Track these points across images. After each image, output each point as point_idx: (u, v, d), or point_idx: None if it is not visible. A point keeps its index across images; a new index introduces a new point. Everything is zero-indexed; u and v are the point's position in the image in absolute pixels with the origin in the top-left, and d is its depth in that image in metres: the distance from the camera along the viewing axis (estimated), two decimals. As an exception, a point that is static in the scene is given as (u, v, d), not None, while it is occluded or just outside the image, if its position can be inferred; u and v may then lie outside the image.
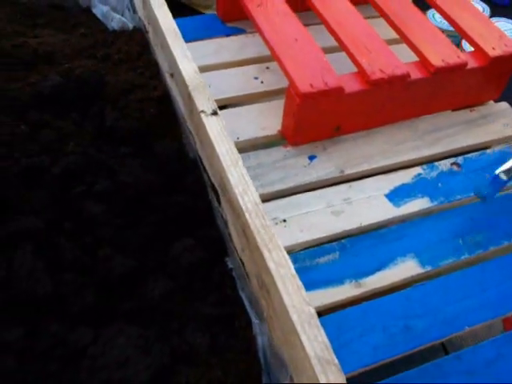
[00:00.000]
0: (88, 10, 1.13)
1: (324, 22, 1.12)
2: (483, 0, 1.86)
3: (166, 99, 0.85)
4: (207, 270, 0.70)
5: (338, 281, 0.85)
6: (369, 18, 1.14)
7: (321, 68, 0.98)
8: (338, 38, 1.08)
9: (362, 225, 0.93)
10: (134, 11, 1.03)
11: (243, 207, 0.60)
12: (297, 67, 0.98)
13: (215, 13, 1.33)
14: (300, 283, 0.56)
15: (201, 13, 1.68)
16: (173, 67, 0.79)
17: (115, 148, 0.79)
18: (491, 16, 1.78)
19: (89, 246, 0.69)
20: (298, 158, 1.01)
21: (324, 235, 0.90)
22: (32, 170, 0.76)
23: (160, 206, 0.74)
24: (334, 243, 0.90)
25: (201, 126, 0.69)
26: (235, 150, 0.65)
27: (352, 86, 0.99)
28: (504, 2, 2.01)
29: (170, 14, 0.83)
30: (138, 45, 0.97)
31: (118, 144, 0.80)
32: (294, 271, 0.56)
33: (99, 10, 1.07)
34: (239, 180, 0.62)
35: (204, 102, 0.70)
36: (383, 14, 1.15)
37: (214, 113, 0.68)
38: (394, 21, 1.11)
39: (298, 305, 0.54)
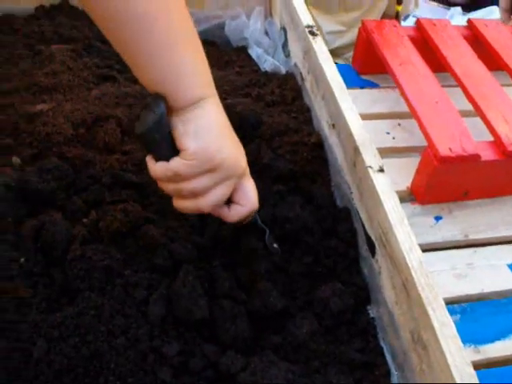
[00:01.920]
0: (238, 49, 1.19)
1: (461, 86, 1.15)
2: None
3: (319, 146, 0.89)
4: (352, 316, 0.73)
5: (457, 344, 0.87)
6: (503, 85, 1.16)
7: (460, 133, 1.01)
8: (475, 104, 1.10)
9: (484, 291, 0.94)
10: (288, 56, 1.09)
11: (409, 264, 0.63)
12: (437, 130, 1.01)
13: (345, 62, 1.38)
14: (461, 344, 0.58)
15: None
16: (336, 118, 0.83)
17: (269, 185, 0.84)
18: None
19: (244, 277, 0.74)
20: (425, 216, 1.04)
21: (446, 296, 0.92)
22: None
23: (313, 246, 0.77)
24: (455, 305, 0.91)
25: (365, 181, 0.73)
26: (400, 208, 0.68)
27: (488, 154, 1.01)
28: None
29: (334, 66, 0.88)
30: (291, 89, 1.02)
31: (271, 181, 0.85)
32: (455, 331, 0.59)
33: (254, 51, 1.13)
34: (405, 238, 0.65)
35: (371, 158, 0.74)
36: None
37: (381, 169, 0.72)
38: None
39: (460, 365, 0.56)
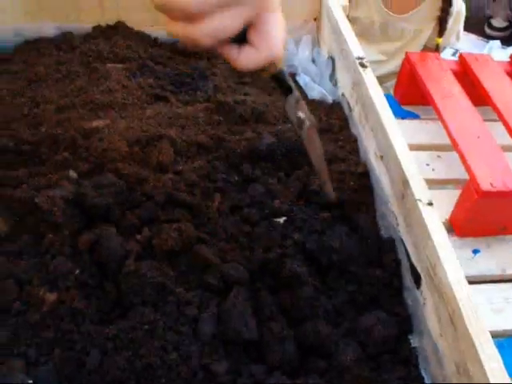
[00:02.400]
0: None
1: (503, 121, 1.17)
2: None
3: (366, 176, 0.91)
4: (395, 345, 0.75)
5: (493, 378, 0.87)
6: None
7: (501, 168, 1.03)
8: (516, 140, 1.12)
9: (522, 327, 0.95)
10: (335, 85, 1.12)
11: (457, 297, 0.65)
12: (479, 164, 1.03)
13: (385, 91, 1.40)
14: (508, 378, 0.60)
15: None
16: (385, 150, 0.85)
17: (316, 212, 0.86)
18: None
19: (287, 302, 0.75)
20: (463, 249, 1.05)
21: (482, 330, 0.93)
22: (243, 221, 0.84)
23: (357, 275, 0.79)
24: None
25: (414, 213, 0.75)
26: (449, 241, 0.70)
27: (528, 190, 1.02)
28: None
29: (385, 99, 0.90)
30: (338, 118, 1.04)
31: (317, 209, 0.87)
32: (502, 365, 0.60)
33: (302, 79, 1.16)
34: (454, 271, 0.67)
35: (420, 191, 0.76)
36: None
37: (430, 203, 0.74)
38: None
39: (507, 400, 0.58)
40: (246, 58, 0.57)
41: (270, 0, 0.56)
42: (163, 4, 0.51)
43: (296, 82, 0.67)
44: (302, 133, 0.70)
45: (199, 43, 0.53)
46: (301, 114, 0.69)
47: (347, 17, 1.15)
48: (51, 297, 0.72)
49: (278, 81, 0.66)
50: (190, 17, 0.51)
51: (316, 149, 0.73)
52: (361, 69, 0.97)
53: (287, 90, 0.67)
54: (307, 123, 0.69)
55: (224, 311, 0.72)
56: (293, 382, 0.68)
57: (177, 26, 0.53)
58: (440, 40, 1.77)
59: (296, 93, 0.68)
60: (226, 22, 0.52)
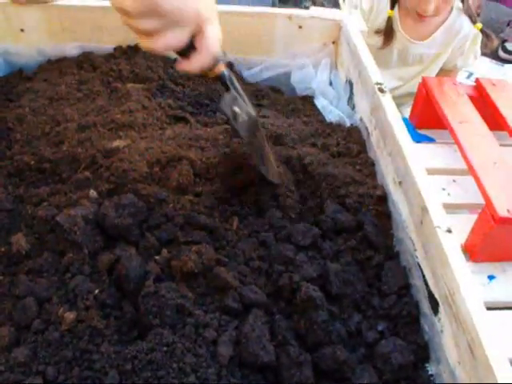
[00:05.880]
0: (303, 98, 1.23)
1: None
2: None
3: (384, 200, 0.92)
4: (412, 372, 0.75)
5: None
6: None
7: (518, 195, 1.03)
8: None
9: (538, 353, 0.94)
10: (353, 109, 1.13)
11: (476, 325, 0.65)
12: (495, 190, 1.03)
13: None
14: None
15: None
16: (403, 176, 0.86)
17: (333, 238, 0.87)
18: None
19: (301, 326, 0.76)
20: (478, 275, 1.05)
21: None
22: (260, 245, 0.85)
23: (373, 301, 0.79)
24: (507, 366, 0.92)
25: (433, 240, 0.75)
26: (468, 269, 0.70)
27: (545, 218, 1.02)
28: None
29: (404, 125, 0.91)
30: (356, 142, 1.05)
31: (335, 234, 0.87)
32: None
33: (320, 102, 1.17)
34: (473, 299, 0.68)
35: (439, 218, 0.76)
36: None
37: (449, 230, 0.74)
38: None
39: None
40: (195, 62, 0.73)
41: (205, 16, 0.70)
42: (126, 24, 0.68)
43: (233, 83, 0.81)
44: (236, 125, 0.81)
45: (156, 53, 0.71)
46: (236, 109, 0.80)
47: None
48: (70, 316, 0.72)
49: (221, 82, 0.80)
50: (148, 34, 0.68)
51: (258, 138, 0.86)
52: (380, 94, 0.98)
53: (226, 90, 0.80)
54: (244, 117, 0.81)
55: (242, 334, 0.72)
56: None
57: (142, 41, 0.70)
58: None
59: (233, 92, 0.80)
60: (174, 38, 0.69)
